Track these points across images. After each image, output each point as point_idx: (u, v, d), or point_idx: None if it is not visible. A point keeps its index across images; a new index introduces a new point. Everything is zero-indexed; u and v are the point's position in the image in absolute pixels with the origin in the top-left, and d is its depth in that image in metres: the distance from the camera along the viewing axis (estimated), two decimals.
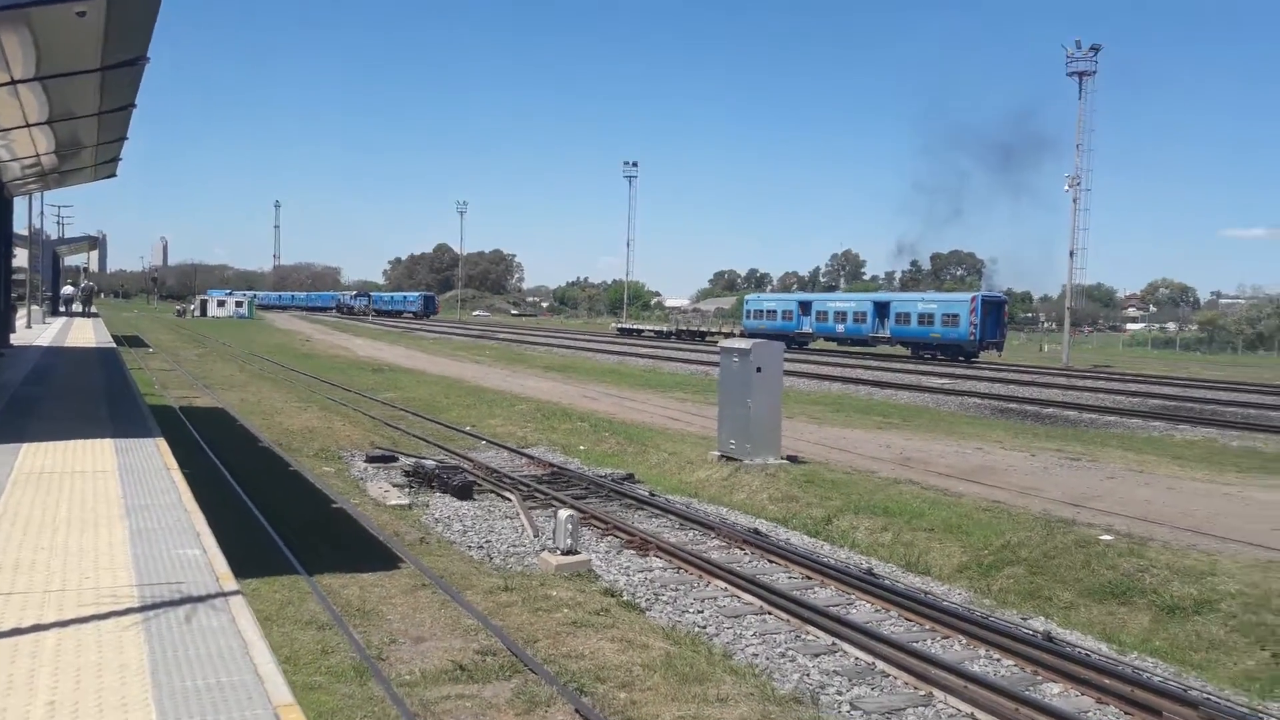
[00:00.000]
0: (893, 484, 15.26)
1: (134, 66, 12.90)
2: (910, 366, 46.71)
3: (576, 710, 7.14)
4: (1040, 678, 8.50)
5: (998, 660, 8.90)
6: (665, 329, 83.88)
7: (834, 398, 30.46)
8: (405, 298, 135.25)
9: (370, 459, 17.77)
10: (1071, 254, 55.65)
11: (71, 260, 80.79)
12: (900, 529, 13.15)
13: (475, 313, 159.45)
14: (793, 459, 17.12)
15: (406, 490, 15.19)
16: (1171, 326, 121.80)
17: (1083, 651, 9.14)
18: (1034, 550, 11.82)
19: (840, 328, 62.09)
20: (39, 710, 3.82)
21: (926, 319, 55.48)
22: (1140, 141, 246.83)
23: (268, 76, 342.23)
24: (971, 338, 52.87)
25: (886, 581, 11.16)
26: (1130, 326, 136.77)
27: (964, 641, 9.31)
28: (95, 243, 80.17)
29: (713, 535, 12.96)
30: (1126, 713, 7.79)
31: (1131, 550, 11.39)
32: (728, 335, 64.85)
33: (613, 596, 10.17)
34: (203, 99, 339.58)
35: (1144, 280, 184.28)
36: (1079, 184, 55.12)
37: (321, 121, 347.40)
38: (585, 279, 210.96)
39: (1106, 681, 8.19)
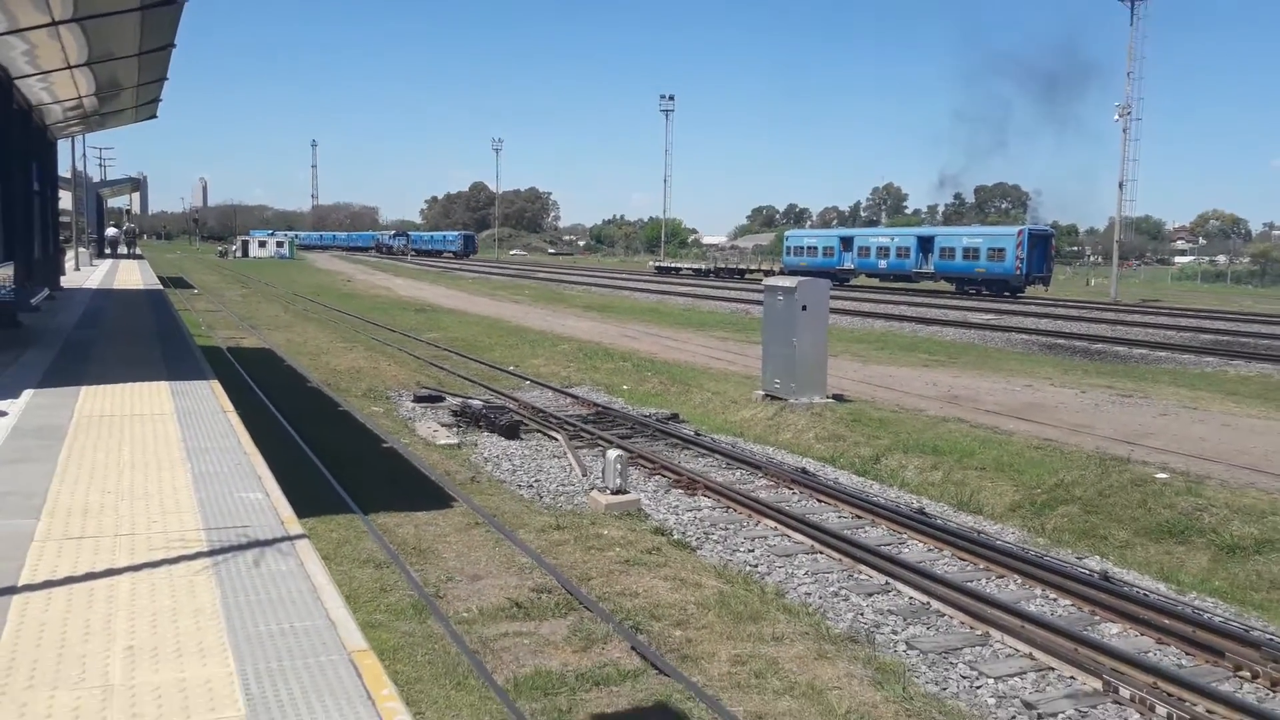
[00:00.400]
0: (941, 422, 15.11)
1: (172, 5, 12.82)
2: (955, 302, 46.14)
3: (633, 647, 7.20)
4: (1098, 617, 8.43)
5: (1054, 600, 8.84)
6: (703, 267, 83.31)
7: (878, 335, 30.20)
8: (445, 237, 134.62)
9: (418, 399, 17.90)
10: (1121, 185, 54.37)
11: (114, 202, 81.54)
12: (950, 468, 13.05)
13: (512, 252, 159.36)
14: (838, 398, 17.01)
15: (455, 430, 15.29)
16: (1222, 259, 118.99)
17: (1141, 591, 9.06)
18: (1088, 489, 11.69)
19: (883, 263, 61.33)
20: (118, 655, 3.88)
21: (971, 253, 54.62)
22: (1189, 69, 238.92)
23: (303, 15, 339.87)
24: (1018, 272, 52.02)
25: (938, 521, 11.09)
26: (1179, 259, 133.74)
27: (1019, 581, 9.25)
28: (137, 184, 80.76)
29: (760, 474, 12.94)
30: (1188, 653, 7.71)
31: (1188, 488, 11.22)
32: (767, 273, 64.41)
33: (663, 535, 10.21)
34: (240, 39, 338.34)
35: (1193, 212, 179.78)
36: (1129, 113, 53.62)
37: (357, 60, 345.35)
38: (621, 216, 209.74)
39: (1166, 621, 8.11)
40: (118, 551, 5.18)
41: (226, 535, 5.51)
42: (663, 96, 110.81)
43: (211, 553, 5.20)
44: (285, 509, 6.09)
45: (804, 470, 13.21)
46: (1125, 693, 6.82)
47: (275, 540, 5.45)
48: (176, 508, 6.02)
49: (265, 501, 6.23)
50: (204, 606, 4.42)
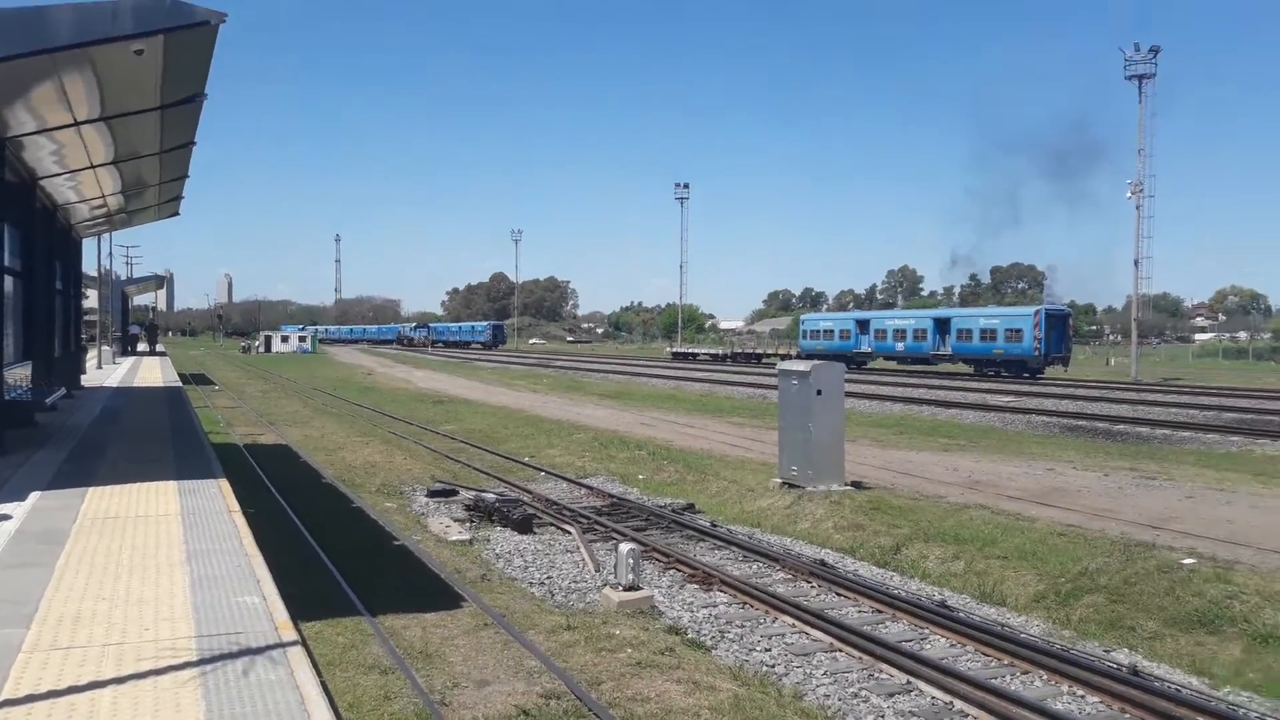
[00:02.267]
0: (963, 509, 14.82)
1: (192, 104, 13.12)
2: (974, 384, 45.82)
3: None
4: (1129, 716, 8.08)
5: (1082, 697, 8.48)
6: (720, 352, 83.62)
7: (896, 419, 29.93)
8: (474, 328, 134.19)
9: (431, 493, 17.75)
10: (1136, 263, 54.31)
11: (140, 300, 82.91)
12: (973, 557, 12.73)
13: (531, 341, 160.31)
14: (857, 485, 16.75)
15: (467, 525, 15.11)
16: (1243, 336, 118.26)
17: (1173, 686, 8.69)
18: (1114, 577, 11.34)
19: (900, 346, 61.28)
20: None
21: (989, 334, 54.52)
22: (1201, 144, 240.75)
23: (324, 113, 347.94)
24: (1036, 353, 51.80)
25: (961, 614, 10.77)
26: (1199, 336, 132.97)
27: (1045, 677, 8.90)
28: (162, 281, 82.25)
29: (778, 567, 12.66)
30: None
31: (1218, 575, 10.86)
32: (784, 357, 64.33)
33: (677, 634, 9.93)
34: (262, 137, 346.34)
35: (1211, 288, 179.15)
36: (1142, 190, 53.83)
37: (378, 155, 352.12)
38: (639, 303, 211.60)
39: None
40: (105, 662, 5.04)
41: (218, 643, 5.36)
42: (677, 185, 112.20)
43: (201, 662, 5.06)
44: (281, 613, 5.95)
45: (822, 562, 12.92)
46: None
47: (268, 647, 5.31)
48: (170, 614, 5.89)
49: (261, 606, 6.10)
50: None
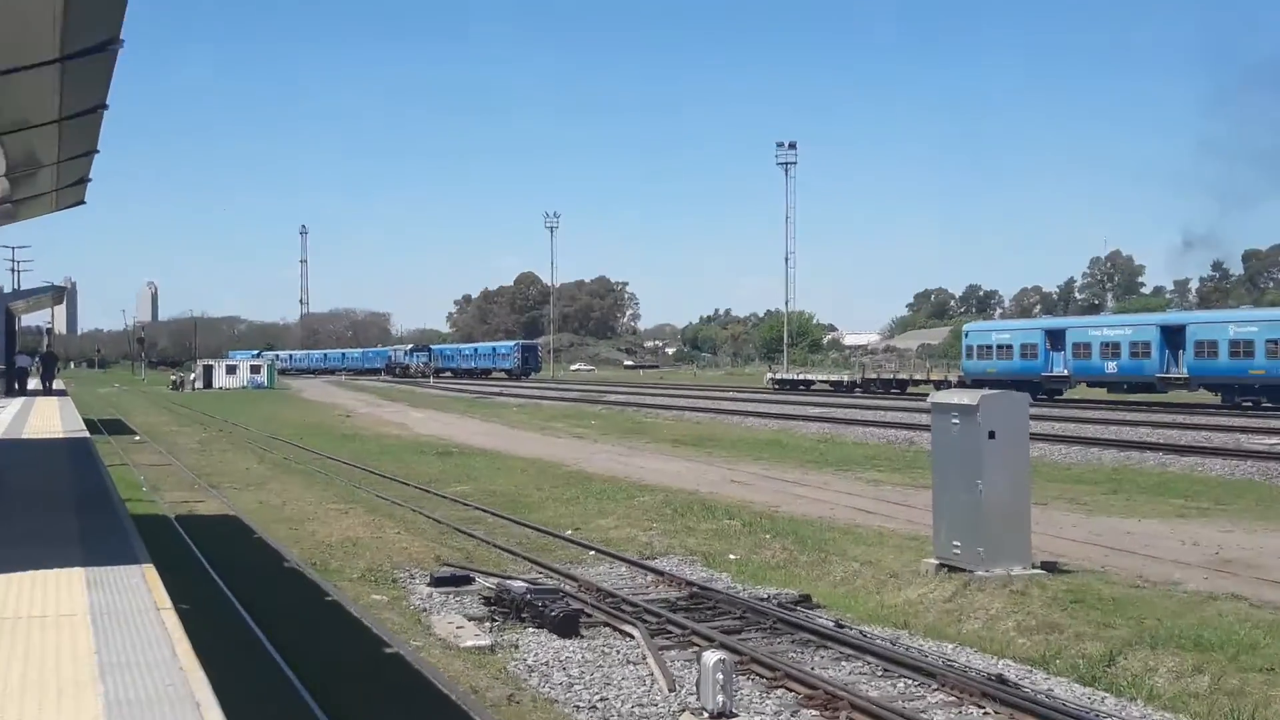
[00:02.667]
0: (1208, 601, 14.64)
1: (103, 53, 13.48)
2: (1223, 420, 45.06)
3: None
4: None
5: None
6: (846, 378, 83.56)
7: (1108, 471, 29.59)
8: (494, 350, 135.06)
9: (436, 580, 17.95)
10: None
11: (30, 319, 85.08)
12: (1223, 669, 12.53)
13: (575, 366, 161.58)
14: (1050, 567, 16.60)
15: (487, 625, 15.27)
16: None
17: None
18: None
19: (1111, 365, 60.51)
20: None
21: (1243, 349, 53.49)
22: None
23: (283, 74, 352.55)
24: None
25: None
26: None
27: None
28: (61, 294, 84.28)
29: (935, 686, 12.59)
30: None
31: None
32: (940, 384, 63.94)
33: None
34: (200, 104, 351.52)
35: None
36: None
37: (358, 127, 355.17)
38: (726, 311, 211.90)
39: None
40: None
41: None
42: (780, 145, 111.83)
43: None
44: None
45: (1001, 679, 12.81)
46: None
47: None
48: None
49: None
50: None
